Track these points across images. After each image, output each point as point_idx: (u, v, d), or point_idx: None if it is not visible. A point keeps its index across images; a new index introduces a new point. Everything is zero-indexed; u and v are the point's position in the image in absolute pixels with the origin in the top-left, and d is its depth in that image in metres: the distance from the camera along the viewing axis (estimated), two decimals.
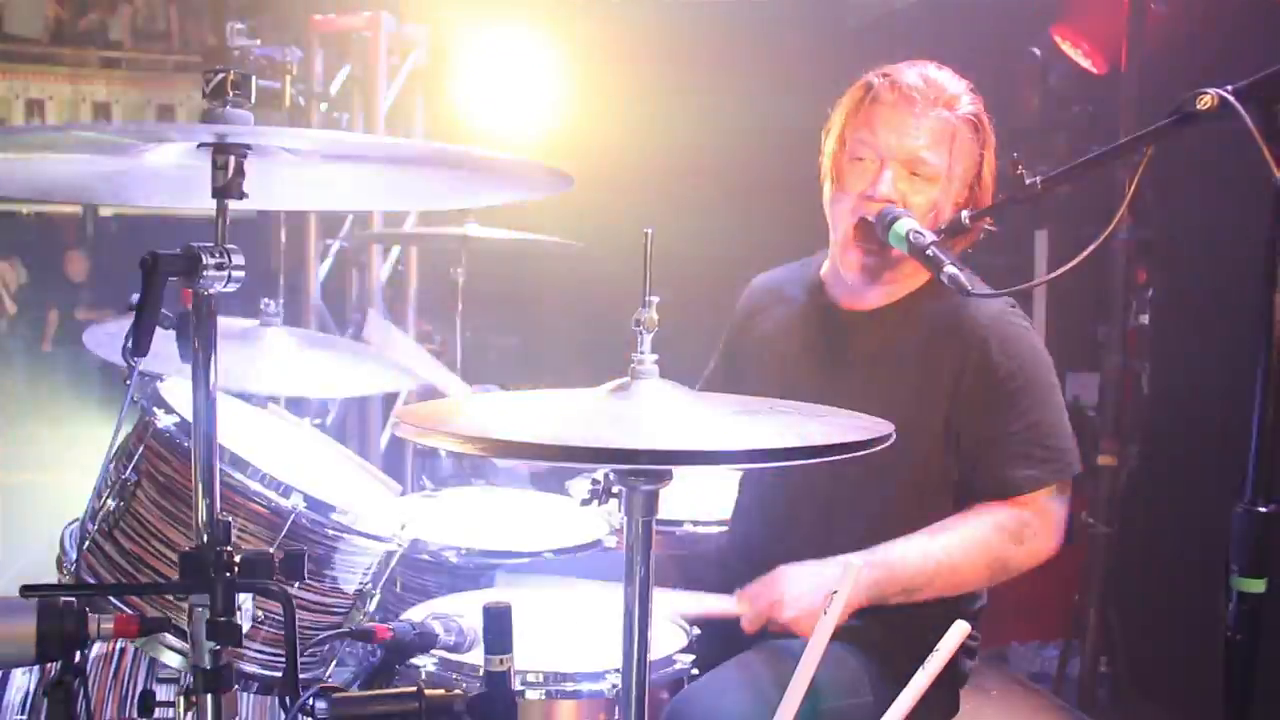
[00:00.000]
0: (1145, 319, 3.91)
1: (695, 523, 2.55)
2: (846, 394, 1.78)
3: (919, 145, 1.95)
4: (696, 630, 1.91)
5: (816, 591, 1.81)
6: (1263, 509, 1.37)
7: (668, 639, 1.88)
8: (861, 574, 1.78)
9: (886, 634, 1.92)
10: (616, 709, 1.69)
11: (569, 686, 1.71)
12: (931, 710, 1.69)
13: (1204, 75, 1.47)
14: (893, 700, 1.59)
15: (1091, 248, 1.58)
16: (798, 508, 2.07)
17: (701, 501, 2.57)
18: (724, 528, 2.44)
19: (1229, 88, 1.40)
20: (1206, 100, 1.41)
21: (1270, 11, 3.21)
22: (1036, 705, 3.90)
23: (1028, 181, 1.70)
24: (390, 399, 5.20)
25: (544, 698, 1.70)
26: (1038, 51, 4.17)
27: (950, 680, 2.02)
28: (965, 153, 1.98)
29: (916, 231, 1.84)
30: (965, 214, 1.89)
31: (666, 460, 1.26)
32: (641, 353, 1.37)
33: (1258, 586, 1.37)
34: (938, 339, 2.00)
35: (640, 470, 1.29)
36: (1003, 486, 1.94)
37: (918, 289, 2.06)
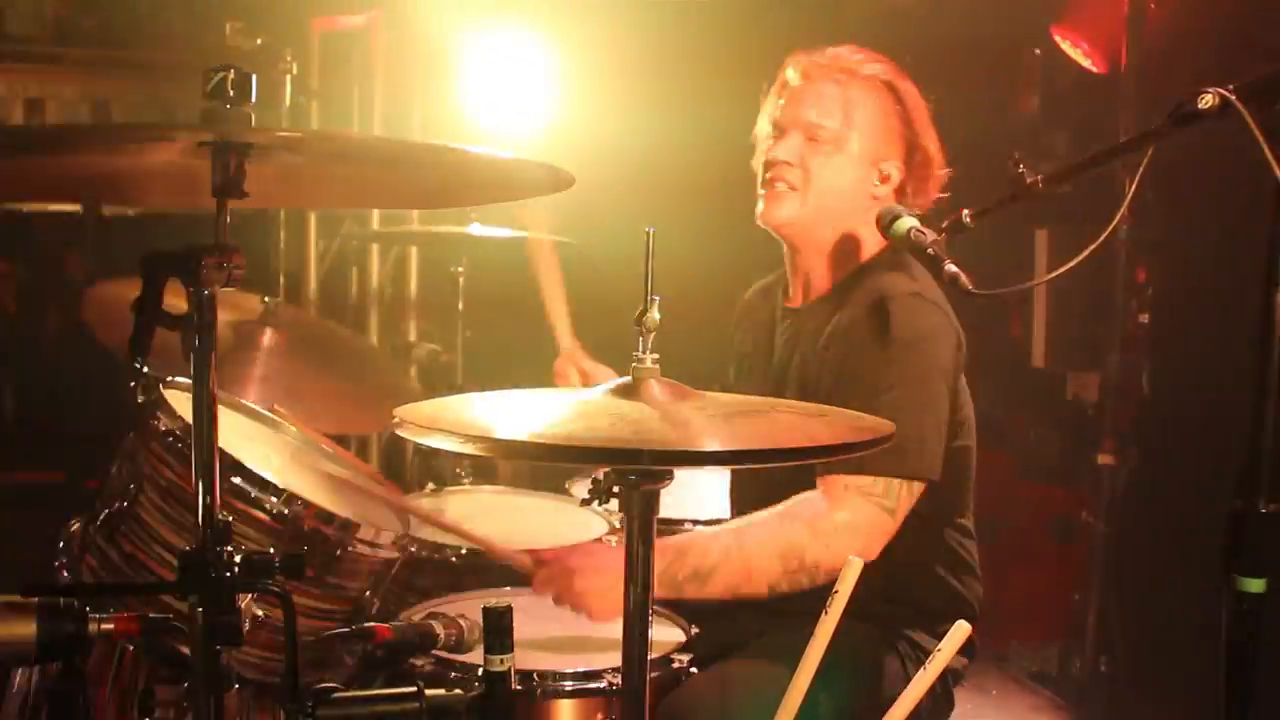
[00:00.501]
0: (1145, 319, 3.91)
1: (695, 522, 2.54)
2: (777, 386, 1.96)
3: (812, 111, 2.01)
4: (695, 629, 1.91)
5: (616, 570, 1.81)
6: (1263, 509, 1.37)
7: (666, 638, 1.88)
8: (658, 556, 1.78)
9: (879, 633, 1.92)
10: (613, 707, 1.69)
11: (567, 685, 1.71)
12: (927, 706, 1.69)
13: (1204, 75, 1.47)
14: (885, 699, 1.59)
15: (1091, 248, 1.58)
16: (744, 507, 2.08)
17: (701, 502, 2.58)
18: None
19: (1229, 87, 1.40)
20: (1207, 100, 1.41)
21: (1270, 11, 3.21)
22: (1036, 705, 3.91)
23: (1028, 180, 1.70)
24: None
25: (541, 696, 1.70)
26: (1038, 51, 4.17)
27: (943, 678, 2.02)
28: (870, 118, 2.01)
29: (918, 230, 1.84)
30: (965, 212, 1.89)
31: (668, 460, 1.26)
32: (642, 353, 1.37)
33: (1257, 586, 1.37)
34: (856, 320, 2.00)
35: (640, 470, 1.29)
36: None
37: (846, 276, 2.08)
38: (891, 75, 2.05)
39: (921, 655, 1.95)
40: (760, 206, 2.08)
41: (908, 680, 1.61)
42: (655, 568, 1.75)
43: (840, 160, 2.00)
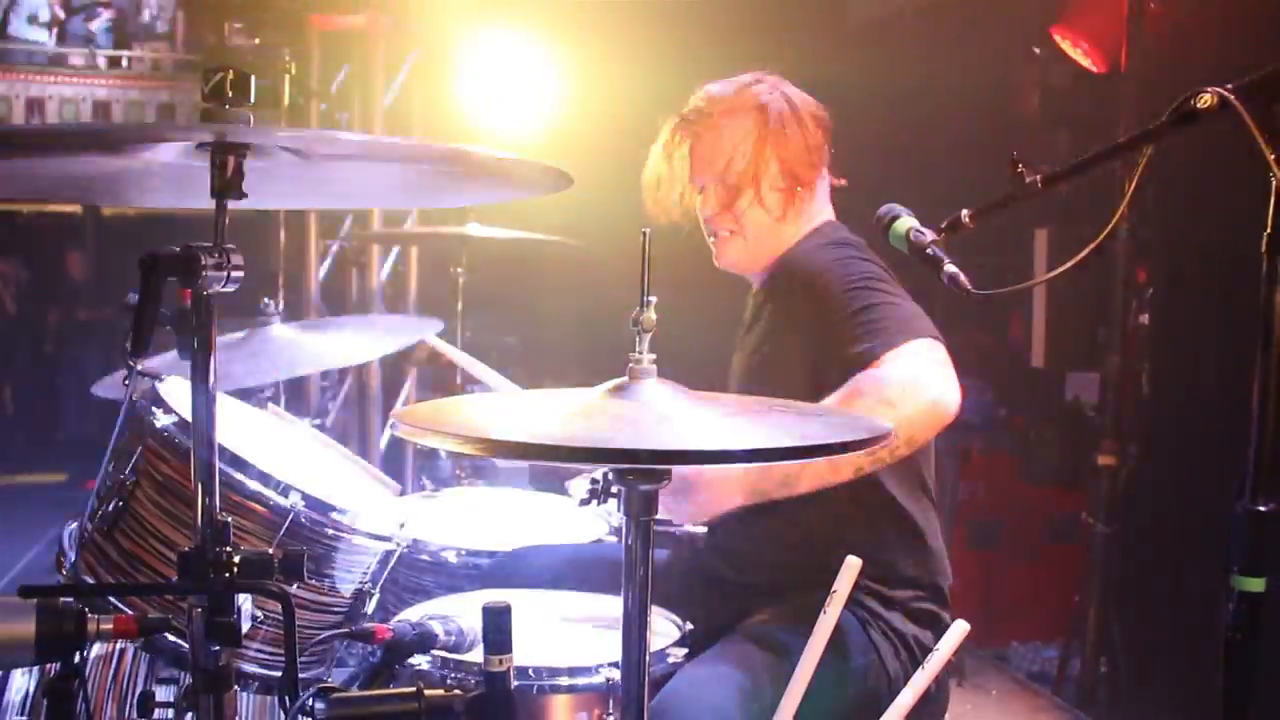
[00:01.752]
0: (1145, 319, 3.91)
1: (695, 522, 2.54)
2: (743, 371, 2.03)
3: (713, 164, 2.11)
4: (689, 625, 1.91)
5: (705, 478, 1.85)
6: (1262, 508, 1.37)
7: (661, 634, 1.88)
8: (741, 477, 1.83)
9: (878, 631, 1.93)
10: (609, 702, 1.69)
11: (562, 681, 1.71)
12: (924, 703, 1.69)
13: (1204, 75, 1.47)
14: (885, 695, 1.59)
15: (1091, 247, 1.58)
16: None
17: None
18: None
19: (1229, 87, 1.40)
20: (1206, 99, 1.41)
21: (1270, 11, 3.21)
22: (1036, 705, 3.91)
23: (1028, 180, 1.70)
24: (390, 401, 5.21)
25: (537, 692, 1.70)
26: (1038, 51, 4.18)
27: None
28: (759, 145, 2.07)
29: (917, 230, 1.84)
30: (965, 212, 1.88)
31: (666, 460, 1.26)
32: (640, 353, 1.37)
33: (1257, 586, 1.37)
34: (790, 297, 2.06)
35: (639, 470, 1.29)
36: (849, 365, 1.89)
37: (777, 258, 2.13)
38: (748, 96, 2.11)
39: (886, 629, 1.95)
40: (714, 252, 2.17)
41: (879, 662, 1.61)
42: (743, 481, 1.84)
43: (759, 192, 2.07)
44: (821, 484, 1.85)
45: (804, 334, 2.00)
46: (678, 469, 1.84)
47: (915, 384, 1.85)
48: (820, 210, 2.15)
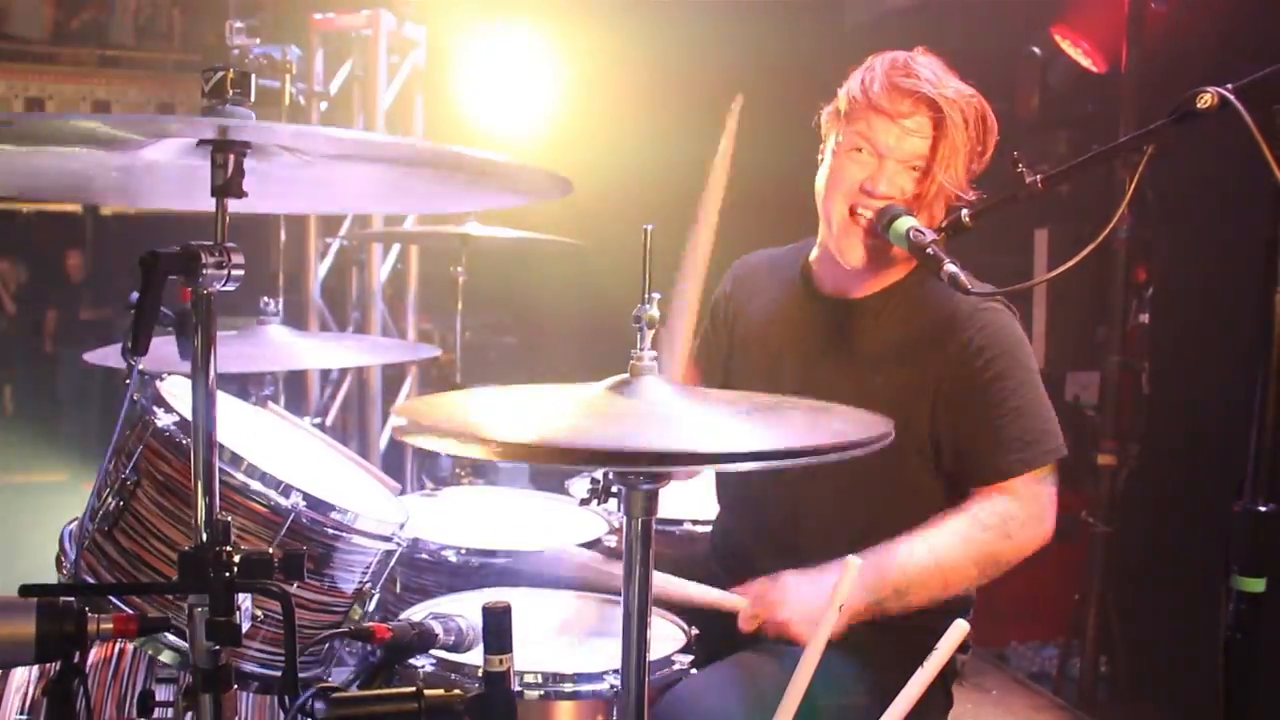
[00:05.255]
0: (1145, 318, 3.91)
1: (695, 522, 2.54)
2: (829, 386, 1.83)
3: (914, 143, 1.94)
4: (695, 630, 1.91)
5: (818, 600, 1.79)
6: (1262, 508, 1.37)
7: (666, 639, 1.88)
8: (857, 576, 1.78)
9: (878, 635, 1.92)
10: (614, 709, 1.69)
11: (567, 687, 1.70)
12: (927, 707, 1.69)
13: (1204, 75, 1.47)
14: (885, 699, 1.59)
15: (1091, 247, 1.58)
16: (765, 506, 2.07)
17: (701, 501, 2.57)
18: None
19: (1229, 87, 1.40)
20: (1206, 99, 1.41)
21: (1270, 11, 3.21)
22: (1036, 705, 3.90)
23: (1028, 180, 1.70)
24: (390, 400, 5.21)
25: (542, 698, 1.70)
26: (1038, 51, 4.17)
27: (942, 675, 2.02)
28: (954, 144, 1.95)
29: (917, 230, 1.83)
30: (964, 212, 1.88)
31: (667, 461, 1.26)
32: (641, 349, 1.36)
33: (1257, 586, 1.37)
34: (920, 331, 1.99)
35: (639, 470, 1.29)
36: (987, 474, 1.91)
37: (903, 278, 2.05)
38: (972, 99, 1.99)
39: (913, 646, 1.95)
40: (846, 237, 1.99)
41: (903, 673, 1.61)
42: (865, 598, 1.81)
43: (924, 182, 1.96)
44: (931, 600, 1.88)
45: (931, 384, 1.94)
46: (792, 577, 1.86)
47: (1038, 520, 1.91)
48: None
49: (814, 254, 2.14)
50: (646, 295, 1.35)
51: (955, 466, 1.96)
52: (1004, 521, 1.89)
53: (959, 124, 1.94)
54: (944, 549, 1.87)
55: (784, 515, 2.04)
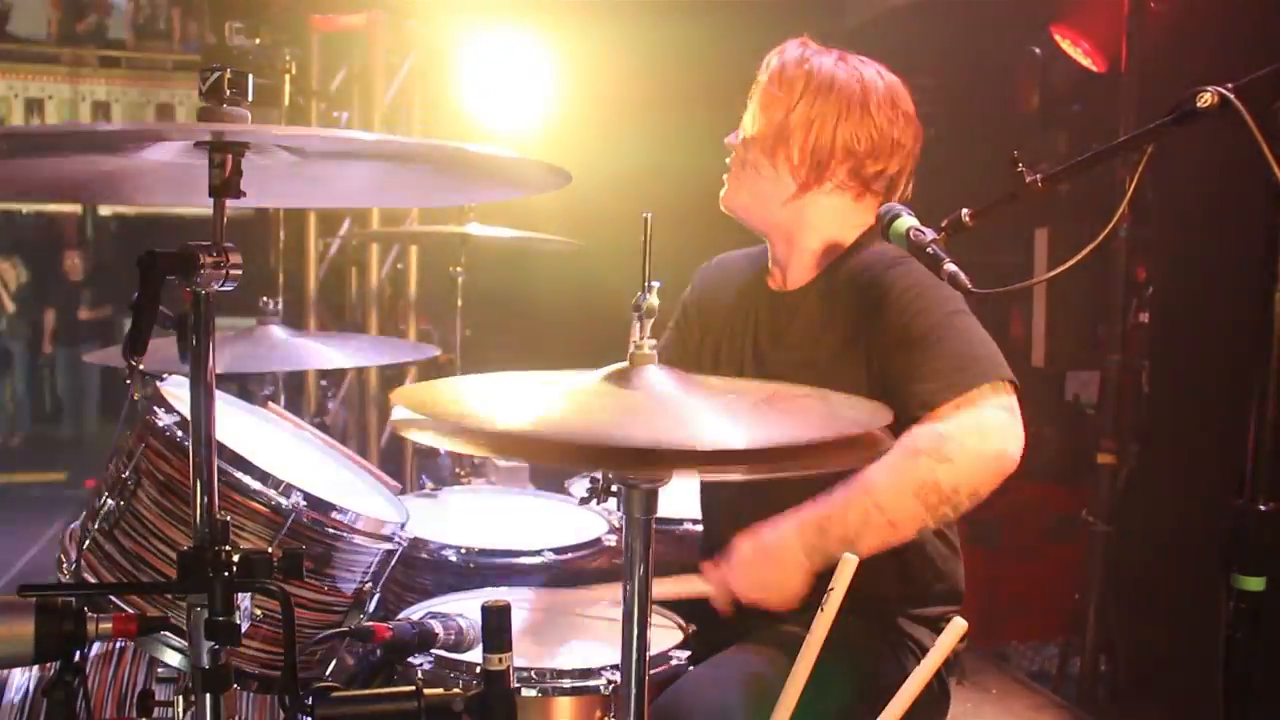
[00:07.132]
0: (1145, 317, 3.91)
1: (695, 522, 2.54)
2: (778, 372, 1.94)
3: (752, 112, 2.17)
4: (693, 627, 1.91)
5: (768, 561, 1.81)
6: (1262, 507, 1.37)
7: (664, 636, 1.88)
8: (798, 538, 1.79)
9: (876, 632, 1.92)
10: (612, 705, 1.69)
11: (565, 683, 1.70)
12: (925, 702, 1.69)
13: (1204, 74, 1.47)
14: (883, 697, 1.59)
15: (1091, 246, 1.58)
16: (742, 495, 2.06)
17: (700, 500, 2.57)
18: None
19: (1229, 86, 1.40)
20: (1206, 98, 1.41)
21: (1270, 11, 3.21)
22: (1036, 704, 3.91)
23: (1028, 179, 1.70)
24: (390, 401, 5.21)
25: (539, 694, 1.70)
26: (1038, 50, 4.18)
27: (940, 672, 2.01)
28: (767, 109, 2.10)
29: (917, 230, 1.84)
30: (965, 211, 1.88)
31: (668, 463, 1.25)
32: (641, 338, 1.35)
33: (1257, 585, 1.37)
34: (848, 301, 2.01)
35: (653, 472, 1.27)
36: (913, 407, 1.84)
37: (834, 260, 2.09)
38: (781, 60, 2.26)
39: (911, 643, 1.95)
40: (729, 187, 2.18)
41: (901, 669, 1.60)
42: (799, 546, 1.79)
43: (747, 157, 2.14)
44: (884, 544, 1.81)
45: (863, 349, 1.95)
46: (741, 547, 1.85)
47: (982, 438, 1.80)
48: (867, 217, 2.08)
49: (769, 253, 2.21)
50: (646, 284, 1.34)
51: (902, 416, 1.91)
52: (937, 445, 1.80)
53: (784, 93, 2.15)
54: (877, 486, 1.81)
55: (756, 499, 2.03)
